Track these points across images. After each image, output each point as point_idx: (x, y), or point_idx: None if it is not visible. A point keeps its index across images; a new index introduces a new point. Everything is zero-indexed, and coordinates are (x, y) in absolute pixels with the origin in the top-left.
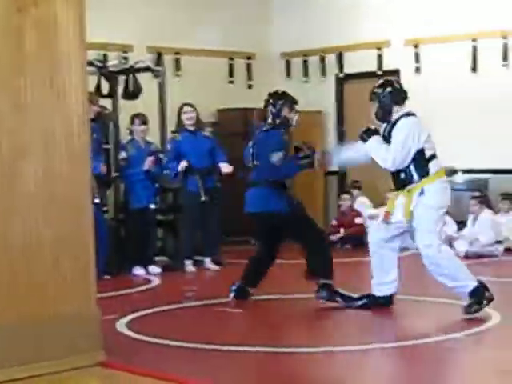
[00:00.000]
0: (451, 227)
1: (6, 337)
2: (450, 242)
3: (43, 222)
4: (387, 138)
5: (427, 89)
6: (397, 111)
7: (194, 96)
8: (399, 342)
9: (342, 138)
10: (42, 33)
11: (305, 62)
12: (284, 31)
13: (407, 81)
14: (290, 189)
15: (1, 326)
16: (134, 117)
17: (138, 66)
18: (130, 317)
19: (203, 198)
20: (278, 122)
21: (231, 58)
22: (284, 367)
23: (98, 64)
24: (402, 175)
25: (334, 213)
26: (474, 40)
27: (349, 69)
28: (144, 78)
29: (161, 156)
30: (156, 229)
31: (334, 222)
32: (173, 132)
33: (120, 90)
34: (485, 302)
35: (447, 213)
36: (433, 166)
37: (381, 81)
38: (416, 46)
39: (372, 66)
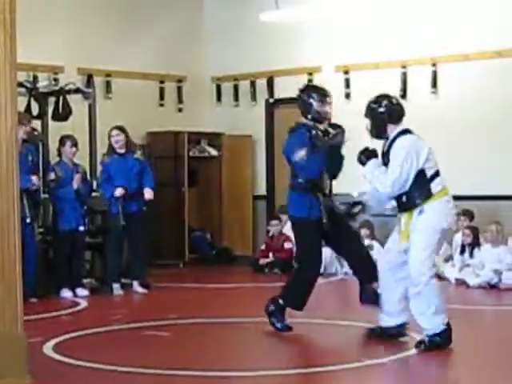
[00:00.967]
0: (379, 252)
1: None
2: None
3: None
4: (386, 157)
5: (358, 114)
6: (392, 129)
7: (124, 118)
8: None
9: (271, 162)
10: None
11: (235, 86)
12: (215, 55)
13: (337, 106)
14: (219, 211)
15: None
16: (64, 138)
17: (68, 87)
18: (56, 339)
19: (122, 222)
20: (309, 117)
21: (162, 81)
22: None
23: (28, 85)
24: (404, 198)
25: (263, 237)
26: (403, 67)
27: (279, 94)
28: (74, 100)
29: (87, 178)
30: (84, 251)
31: (263, 247)
32: (104, 154)
33: (50, 111)
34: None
35: (375, 238)
36: (435, 186)
37: (376, 95)
38: (346, 72)
39: None
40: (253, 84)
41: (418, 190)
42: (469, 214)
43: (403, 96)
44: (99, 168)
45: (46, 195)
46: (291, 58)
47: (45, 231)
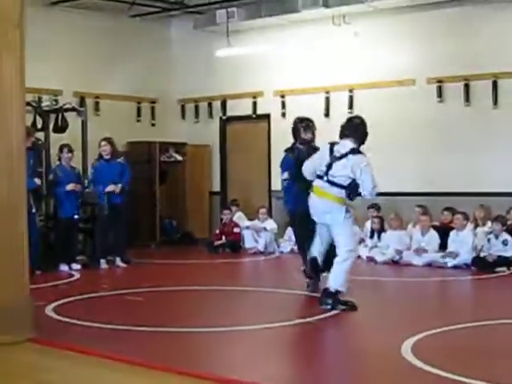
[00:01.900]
0: None
1: None
2: None
3: None
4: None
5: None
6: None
7: (109, 131)
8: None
9: (224, 165)
10: None
11: (196, 106)
12: (180, 82)
13: (275, 123)
14: (183, 203)
15: None
16: (62, 146)
17: (65, 106)
18: (56, 303)
19: (106, 212)
20: (298, 142)
21: (139, 102)
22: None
23: (34, 104)
24: None
25: (217, 224)
26: (327, 92)
27: (230, 112)
28: (70, 116)
29: (82, 178)
30: (78, 234)
31: (217, 231)
32: (95, 159)
33: (51, 125)
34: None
35: None
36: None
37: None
38: (283, 96)
39: (248, 111)
40: (210, 105)
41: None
42: (376, 207)
43: (326, 115)
44: (90, 170)
45: (47, 191)
46: (239, 85)
47: (46, 219)
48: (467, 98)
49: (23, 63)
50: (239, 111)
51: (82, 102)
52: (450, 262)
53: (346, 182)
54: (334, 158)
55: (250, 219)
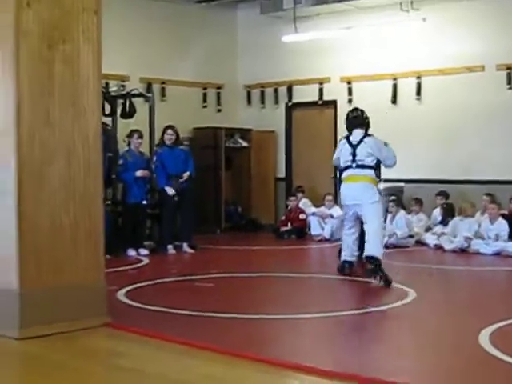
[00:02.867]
0: None
1: (33, 301)
2: None
3: (64, 211)
4: None
5: None
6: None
7: (175, 117)
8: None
9: (289, 152)
10: (68, 64)
11: (262, 92)
12: (246, 67)
13: (342, 109)
14: (248, 189)
15: (29, 293)
16: (132, 131)
17: (133, 92)
18: (127, 288)
19: (176, 198)
20: None
21: (205, 88)
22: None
23: (102, 90)
24: None
25: (282, 210)
26: (394, 79)
27: (296, 98)
28: (137, 102)
29: (150, 164)
30: (146, 219)
31: (283, 218)
32: (156, 145)
33: (118, 111)
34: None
35: None
36: (342, 175)
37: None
38: (349, 82)
39: (314, 97)
40: (276, 91)
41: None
42: (445, 194)
43: (394, 101)
44: (154, 158)
45: (115, 176)
46: (305, 71)
47: (114, 204)
48: None
49: (100, 50)
50: (305, 97)
51: (149, 88)
52: None
53: (373, 163)
54: (354, 146)
55: (316, 206)
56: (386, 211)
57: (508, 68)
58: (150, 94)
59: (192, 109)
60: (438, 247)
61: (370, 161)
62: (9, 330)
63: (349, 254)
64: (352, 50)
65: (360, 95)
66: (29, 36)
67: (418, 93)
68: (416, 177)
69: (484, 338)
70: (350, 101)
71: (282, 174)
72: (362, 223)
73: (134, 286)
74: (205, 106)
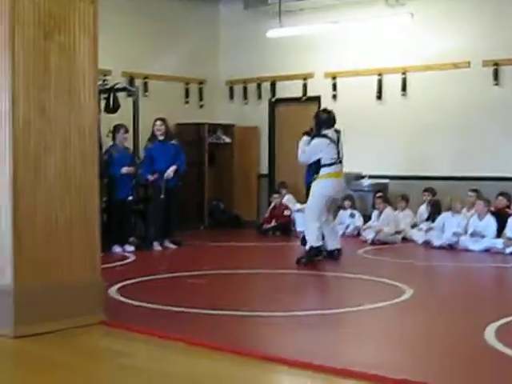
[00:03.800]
0: (359, 219)
1: (31, 299)
2: (358, 231)
3: (60, 206)
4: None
5: (341, 111)
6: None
7: (157, 112)
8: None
9: (272, 148)
10: (64, 55)
11: (245, 88)
12: (229, 63)
13: (326, 105)
14: (230, 185)
15: (26, 290)
16: (118, 126)
17: (117, 86)
18: (118, 285)
19: (162, 196)
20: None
21: (187, 83)
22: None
23: None
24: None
25: (265, 207)
26: (379, 74)
27: (280, 94)
28: (119, 97)
29: (135, 159)
30: (131, 216)
31: (267, 215)
32: (148, 140)
33: (102, 105)
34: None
35: (355, 208)
36: (323, 170)
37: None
38: (334, 78)
39: (298, 93)
40: (259, 86)
41: (316, 169)
42: (431, 190)
43: (379, 97)
44: (141, 152)
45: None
46: (289, 66)
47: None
48: None
49: (97, 41)
50: (289, 93)
51: (131, 83)
52: (509, 248)
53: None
54: (336, 144)
55: (299, 202)
56: (373, 207)
57: (494, 64)
58: (134, 88)
59: (174, 104)
60: (426, 243)
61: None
62: (4, 328)
63: (337, 241)
64: (337, 46)
65: (344, 91)
66: (24, 25)
67: (404, 89)
68: (401, 173)
69: (490, 334)
70: (334, 96)
71: (265, 170)
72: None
73: (125, 282)
74: (187, 102)
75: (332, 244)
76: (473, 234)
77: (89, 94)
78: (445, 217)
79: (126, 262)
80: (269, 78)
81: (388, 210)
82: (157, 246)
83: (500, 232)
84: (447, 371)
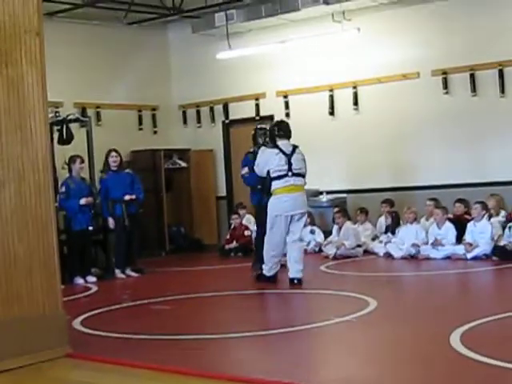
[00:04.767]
0: (319, 236)
1: None
2: (319, 247)
3: (18, 239)
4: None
5: (295, 129)
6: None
7: (111, 141)
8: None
9: (229, 169)
10: (12, 89)
11: (198, 111)
12: (181, 87)
13: None
14: (190, 210)
15: None
16: (74, 157)
17: (69, 117)
18: (82, 317)
19: (126, 223)
20: (256, 147)
21: (140, 110)
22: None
23: None
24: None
25: (225, 229)
26: (330, 90)
27: (233, 115)
28: (72, 128)
29: (93, 189)
30: (91, 246)
31: (228, 236)
32: (101, 171)
33: (55, 137)
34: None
35: (315, 224)
36: (273, 185)
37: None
38: (286, 96)
39: (251, 113)
40: (211, 109)
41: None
42: (389, 202)
43: (331, 113)
44: (98, 184)
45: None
46: (241, 87)
47: (58, 232)
48: (473, 89)
49: (44, 72)
50: (242, 114)
51: (84, 113)
52: (470, 254)
53: (304, 172)
54: (288, 156)
55: None
56: (333, 222)
57: (443, 73)
58: (87, 119)
59: (128, 132)
60: (388, 255)
61: (303, 171)
62: None
63: (298, 269)
64: (287, 64)
65: (297, 108)
66: None
67: (356, 103)
68: (358, 187)
69: (455, 339)
70: (287, 115)
71: (222, 192)
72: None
73: (89, 314)
74: (141, 129)
75: (293, 271)
76: (433, 244)
77: (40, 127)
78: (403, 228)
79: (88, 292)
80: (221, 100)
81: (348, 224)
82: (119, 274)
83: (460, 238)
84: (416, 380)
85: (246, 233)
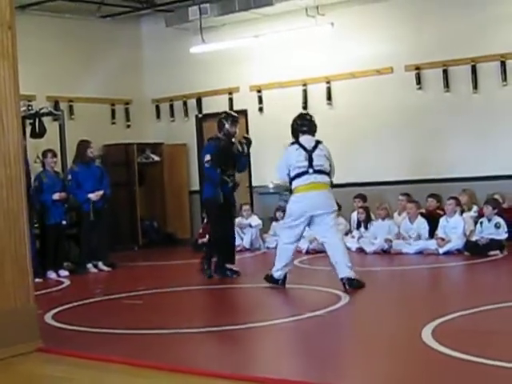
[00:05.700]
0: None
1: None
2: None
3: None
4: None
5: (268, 124)
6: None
7: (84, 135)
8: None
9: (202, 162)
10: None
11: (171, 105)
12: (154, 81)
13: (253, 118)
14: (162, 204)
15: None
16: (46, 151)
17: (42, 111)
18: (54, 311)
19: (92, 218)
20: (222, 133)
21: (113, 104)
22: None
23: None
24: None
25: (198, 223)
26: (304, 85)
27: (206, 110)
28: (45, 121)
29: (66, 183)
30: (65, 240)
31: (200, 230)
32: (73, 162)
33: (27, 131)
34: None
35: None
36: (294, 183)
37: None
38: (259, 91)
39: (225, 107)
40: (185, 103)
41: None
42: (362, 197)
43: (305, 107)
44: (68, 175)
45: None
46: (214, 81)
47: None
48: (446, 84)
49: (17, 66)
50: (215, 108)
51: (56, 107)
52: (442, 249)
53: (328, 169)
54: (309, 152)
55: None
56: None
57: (416, 68)
58: (59, 112)
59: (101, 126)
60: (360, 250)
61: (326, 168)
62: None
63: (290, 266)
64: (260, 59)
65: (270, 103)
66: None
67: (329, 98)
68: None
69: (427, 334)
70: (260, 109)
71: (196, 186)
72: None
73: (61, 308)
74: (114, 123)
75: (342, 271)
76: (404, 238)
77: (12, 120)
78: (375, 224)
79: (60, 287)
80: (194, 94)
81: None
82: (92, 269)
83: (432, 233)
84: (387, 375)
85: None
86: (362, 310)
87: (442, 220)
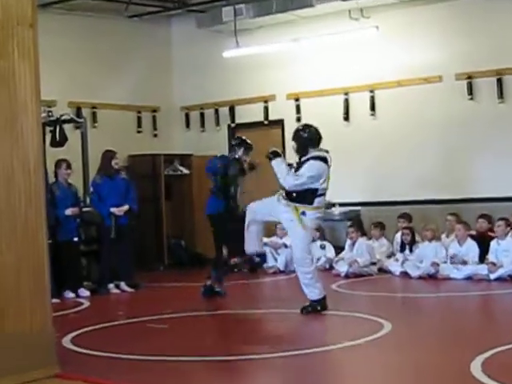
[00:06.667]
0: (330, 251)
1: None
2: (330, 263)
3: (6, 247)
4: (298, 167)
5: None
6: (311, 151)
7: (108, 144)
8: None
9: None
10: (3, 83)
11: (201, 114)
12: (183, 87)
13: (290, 129)
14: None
15: None
16: (60, 161)
17: (63, 118)
18: (72, 334)
19: (112, 235)
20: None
21: (139, 111)
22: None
23: None
24: (294, 195)
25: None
26: (345, 93)
27: (240, 119)
28: (66, 129)
29: (79, 197)
30: (80, 258)
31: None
32: (97, 175)
33: (47, 139)
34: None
35: (326, 239)
36: (316, 202)
37: (303, 124)
38: (297, 99)
39: (260, 117)
40: (216, 112)
41: (306, 198)
42: (407, 217)
43: (346, 118)
44: (91, 188)
45: None
46: (249, 89)
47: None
48: (500, 95)
49: (38, 67)
50: (249, 117)
51: (79, 113)
52: (493, 274)
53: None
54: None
55: (267, 235)
56: (346, 237)
57: (468, 77)
58: (82, 120)
59: (126, 134)
60: (404, 274)
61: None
62: None
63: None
64: (298, 64)
65: (309, 113)
66: None
67: (373, 108)
68: (374, 199)
69: (476, 367)
70: (298, 119)
71: None
72: None
73: (80, 331)
74: (139, 131)
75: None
76: (453, 259)
77: (32, 125)
78: (421, 246)
79: (79, 308)
80: (227, 102)
81: (362, 239)
82: (113, 289)
83: (483, 257)
84: None
85: None
86: (405, 340)
87: (492, 243)
